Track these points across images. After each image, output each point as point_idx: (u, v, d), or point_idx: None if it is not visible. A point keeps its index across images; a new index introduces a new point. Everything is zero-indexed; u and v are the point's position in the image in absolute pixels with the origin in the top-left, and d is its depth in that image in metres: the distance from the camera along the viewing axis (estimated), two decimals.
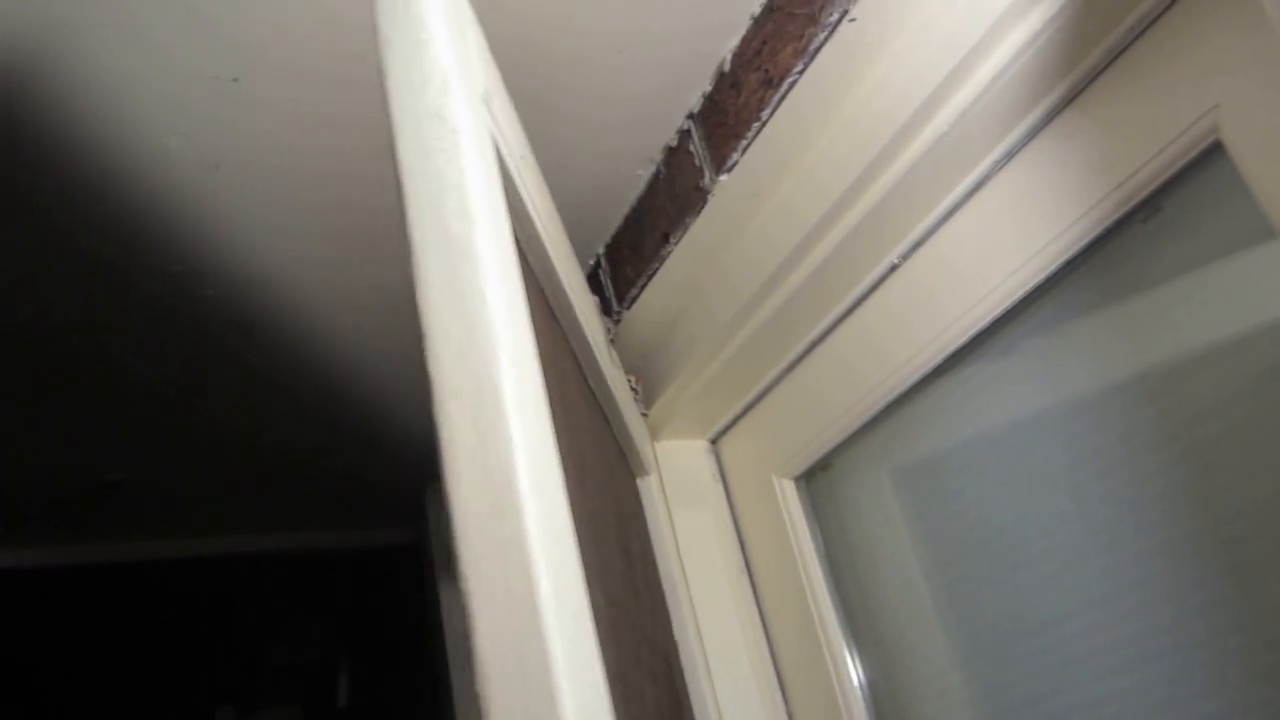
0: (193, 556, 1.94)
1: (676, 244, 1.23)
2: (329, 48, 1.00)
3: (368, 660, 2.18)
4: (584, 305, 1.05)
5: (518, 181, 0.71)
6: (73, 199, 1.10)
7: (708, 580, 1.44)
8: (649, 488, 1.39)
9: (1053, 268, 1.02)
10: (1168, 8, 0.86)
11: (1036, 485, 1.08)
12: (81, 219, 1.14)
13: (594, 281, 1.45)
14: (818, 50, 0.97)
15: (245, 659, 2.08)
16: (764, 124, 1.06)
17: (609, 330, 1.30)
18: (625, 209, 1.34)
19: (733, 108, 1.10)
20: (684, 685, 1.29)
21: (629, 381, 1.47)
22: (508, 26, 1.04)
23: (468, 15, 0.67)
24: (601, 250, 1.42)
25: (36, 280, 1.23)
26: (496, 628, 0.41)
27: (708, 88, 1.16)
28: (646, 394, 1.48)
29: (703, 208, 1.17)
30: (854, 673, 1.29)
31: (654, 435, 1.52)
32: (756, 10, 1.05)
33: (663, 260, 1.26)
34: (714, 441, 1.56)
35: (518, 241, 0.65)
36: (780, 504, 1.41)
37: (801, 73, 1.00)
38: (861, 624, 1.32)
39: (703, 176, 1.17)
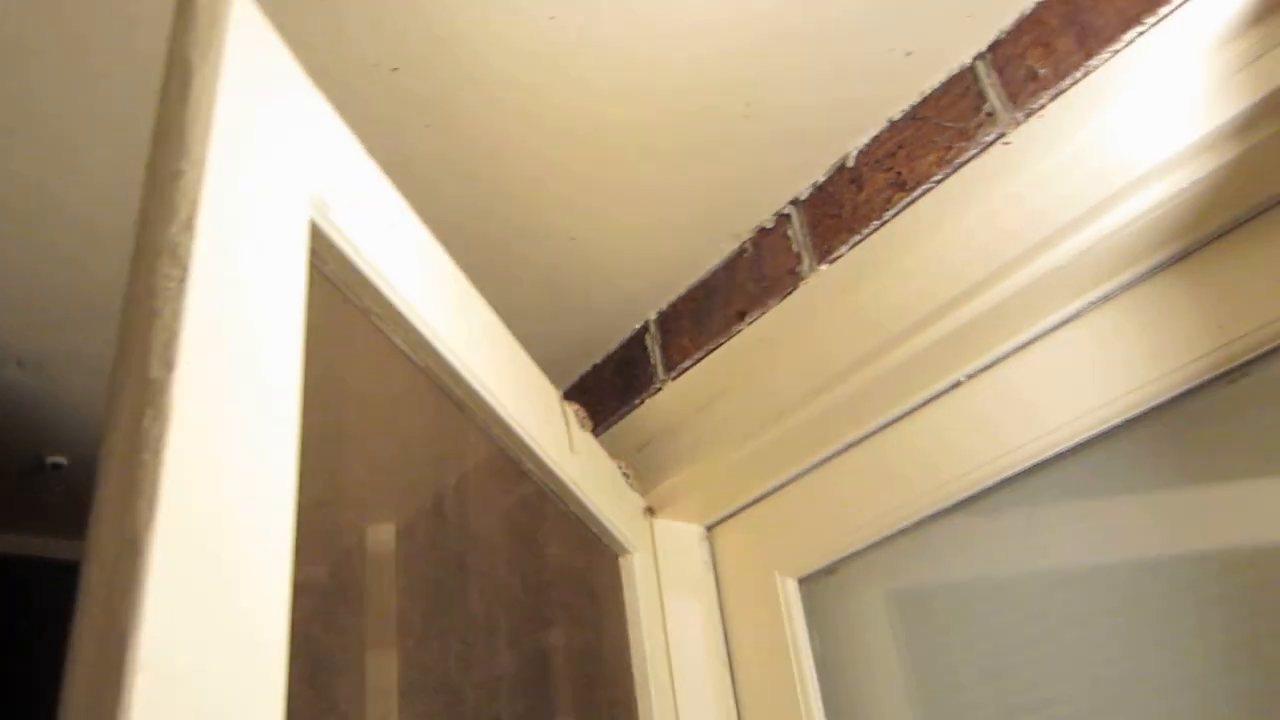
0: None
1: (750, 324, 1.23)
2: None
3: None
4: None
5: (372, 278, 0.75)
6: None
7: (691, 669, 1.39)
8: (631, 567, 1.35)
9: (1120, 418, 1.05)
10: None
11: (1047, 639, 1.07)
12: None
13: (634, 346, 1.43)
14: (963, 164, 1.01)
15: None
16: (884, 223, 1.08)
17: (579, 416, 1.26)
18: (692, 280, 1.34)
19: (850, 202, 1.13)
20: None
21: (619, 467, 1.43)
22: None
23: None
24: (653, 316, 1.40)
25: None
26: None
27: (820, 178, 1.18)
28: (654, 470, 1.45)
29: (791, 293, 1.18)
30: None
31: (654, 512, 1.48)
32: (895, 115, 1.09)
33: (730, 337, 1.25)
34: (710, 528, 1.54)
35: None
36: (780, 602, 1.38)
37: (939, 182, 1.03)
38: None
39: (800, 263, 1.18)
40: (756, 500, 1.45)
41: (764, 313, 1.21)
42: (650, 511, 1.47)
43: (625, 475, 1.43)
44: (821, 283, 1.16)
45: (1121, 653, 1.02)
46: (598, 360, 1.49)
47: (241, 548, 0.50)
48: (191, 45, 0.58)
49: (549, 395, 1.15)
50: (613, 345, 1.46)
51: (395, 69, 0.99)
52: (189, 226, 0.52)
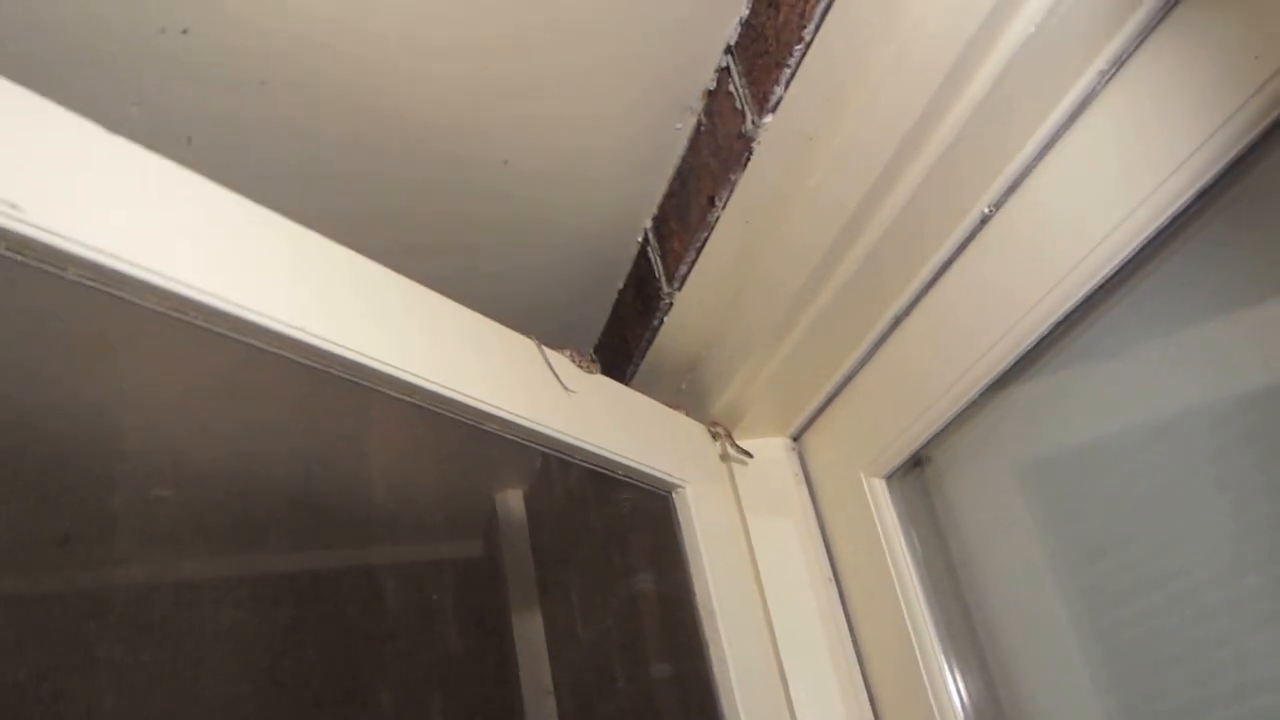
0: None
1: (724, 207, 1.05)
2: None
3: None
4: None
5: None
6: None
7: (789, 594, 1.25)
8: (686, 501, 1.20)
9: (1189, 195, 0.80)
10: None
11: (1192, 478, 0.85)
12: None
13: (642, 262, 1.28)
14: None
15: None
16: (808, 45, 0.87)
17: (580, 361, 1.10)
18: (669, 172, 1.17)
19: (773, 30, 0.92)
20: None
21: (662, 401, 1.28)
22: None
23: None
24: (649, 224, 1.25)
25: None
26: None
27: (745, 11, 0.98)
28: (710, 390, 1.30)
29: (748, 159, 0.99)
30: (955, 695, 1.09)
31: (726, 434, 1.33)
32: None
33: (711, 228, 1.08)
34: (796, 438, 1.37)
35: None
36: (870, 506, 1.21)
37: None
38: (964, 641, 1.11)
39: (744, 121, 0.98)
40: (828, 402, 1.28)
41: (731, 191, 1.03)
42: (720, 434, 1.33)
43: (675, 406, 1.30)
44: (772, 137, 0.96)
45: (1250, 499, 0.78)
46: (620, 285, 1.36)
47: None
48: None
49: (520, 347, 1.04)
50: (628, 265, 1.32)
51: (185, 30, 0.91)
52: None
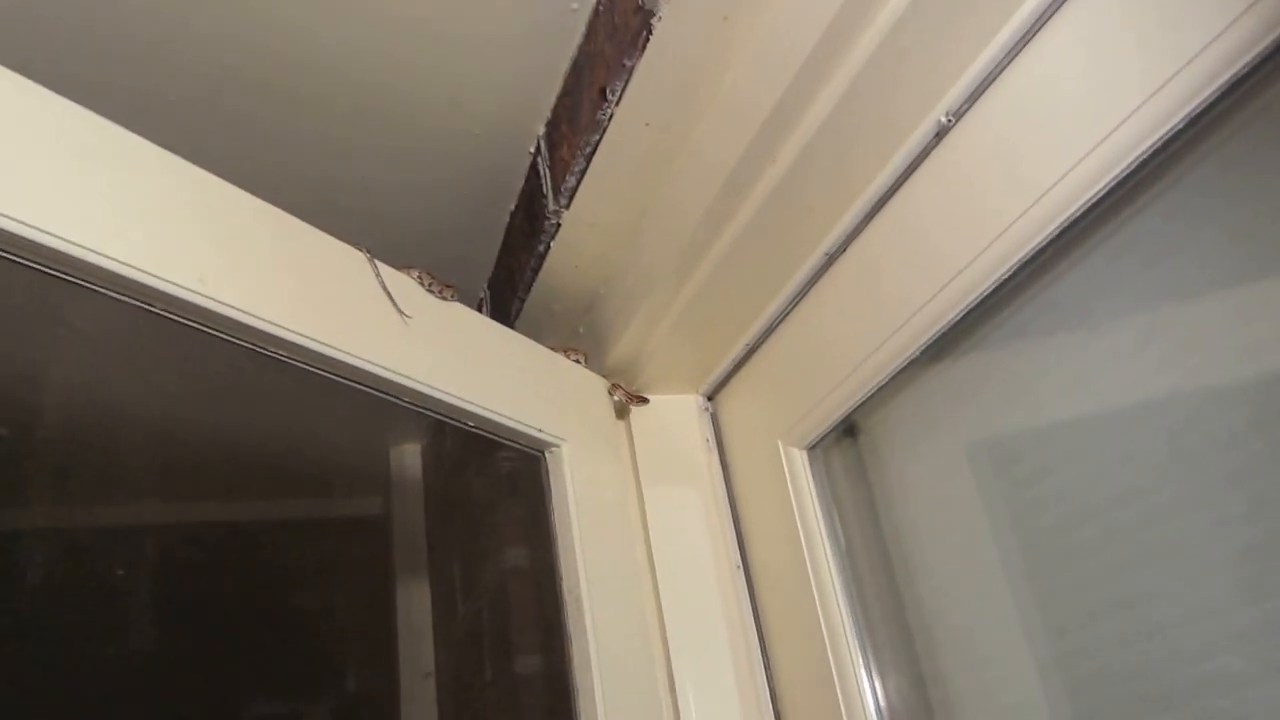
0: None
1: (617, 102, 0.84)
2: None
3: None
4: None
5: None
6: None
7: (688, 581, 1.07)
8: (560, 464, 1.00)
9: (1207, 95, 0.60)
10: None
11: (1189, 473, 0.66)
12: None
13: (532, 177, 1.06)
14: None
15: None
16: None
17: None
18: (565, 66, 0.95)
19: None
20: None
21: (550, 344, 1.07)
22: None
23: None
24: (541, 130, 1.03)
25: None
26: None
27: None
28: (609, 334, 1.09)
29: (648, 38, 0.77)
30: (871, 702, 0.93)
31: (624, 388, 1.13)
32: None
33: (603, 130, 0.87)
34: (711, 397, 1.17)
35: None
36: (786, 481, 1.02)
37: None
38: (892, 643, 0.95)
39: None
40: (747, 355, 1.08)
41: (626, 81, 0.82)
42: (619, 388, 1.13)
43: (572, 352, 1.09)
44: (680, 13, 0.75)
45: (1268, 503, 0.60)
46: (512, 206, 1.14)
47: None
48: None
49: (347, 261, 0.82)
50: (520, 181, 1.10)
51: None
52: None
